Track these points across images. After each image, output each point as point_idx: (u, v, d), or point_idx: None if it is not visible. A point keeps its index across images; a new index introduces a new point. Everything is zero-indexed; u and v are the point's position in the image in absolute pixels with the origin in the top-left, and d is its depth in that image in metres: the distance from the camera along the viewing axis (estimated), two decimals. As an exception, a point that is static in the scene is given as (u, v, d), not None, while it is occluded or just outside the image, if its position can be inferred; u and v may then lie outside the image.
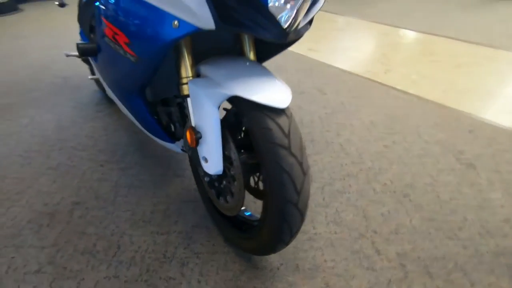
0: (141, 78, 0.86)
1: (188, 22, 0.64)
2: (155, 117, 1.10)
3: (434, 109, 1.70)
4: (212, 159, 0.79)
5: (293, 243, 1.02)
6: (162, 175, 1.32)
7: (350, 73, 2.13)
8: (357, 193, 1.21)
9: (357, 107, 1.74)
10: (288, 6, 0.61)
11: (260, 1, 0.59)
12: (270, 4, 0.59)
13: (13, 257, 1.01)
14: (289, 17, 0.62)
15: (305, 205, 0.71)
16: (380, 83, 1.98)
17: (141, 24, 0.72)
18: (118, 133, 1.59)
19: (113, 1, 0.80)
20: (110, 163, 1.40)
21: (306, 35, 2.66)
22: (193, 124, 0.82)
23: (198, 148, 0.82)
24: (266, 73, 0.75)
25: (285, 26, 0.62)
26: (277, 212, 0.70)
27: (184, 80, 0.80)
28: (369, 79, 2.03)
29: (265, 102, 0.66)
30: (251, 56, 0.87)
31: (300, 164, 0.68)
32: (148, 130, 1.09)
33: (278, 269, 0.95)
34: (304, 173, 0.69)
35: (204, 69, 0.79)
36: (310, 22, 0.77)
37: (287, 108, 0.70)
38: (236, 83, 0.70)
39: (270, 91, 0.69)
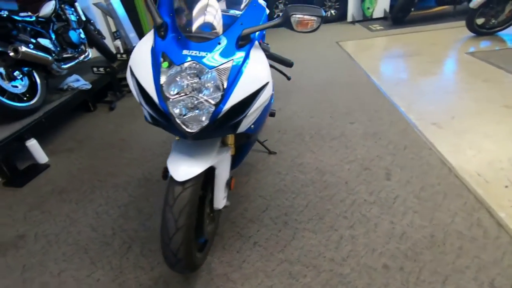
0: None
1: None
2: None
3: (519, 266, 1.16)
4: None
5: (216, 284, 1.27)
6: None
7: (451, 168, 1.70)
8: (303, 286, 1.21)
9: (407, 211, 1.48)
10: (184, 119, 0.92)
11: (168, 116, 0.93)
12: (172, 118, 0.92)
13: (118, 194, 1.88)
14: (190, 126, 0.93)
15: (177, 249, 1.00)
16: (478, 198, 1.49)
17: None
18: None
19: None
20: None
21: (449, 104, 2.25)
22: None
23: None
24: (201, 155, 1.06)
25: (189, 131, 0.93)
26: (161, 246, 1.03)
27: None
28: (467, 187, 1.57)
29: (172, 173, 1.00)
30: (230, 138, 1.18)
31: (175, 221, 0.98)
32: None
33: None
34: (177, 228, 0.98)
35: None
36: (235, 126, 0.99)
37: (187, 181, 1.00)
38: (176, 154, 1.07)
39: (182, 166, 1.02)
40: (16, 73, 2.30)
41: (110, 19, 4.20)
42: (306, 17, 0.97)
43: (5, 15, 2.26)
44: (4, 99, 2.16)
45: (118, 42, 4.19)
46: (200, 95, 0.91)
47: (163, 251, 1.03)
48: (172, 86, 0.91)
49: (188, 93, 0.91)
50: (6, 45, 2.20)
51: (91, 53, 3.32)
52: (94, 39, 3.36)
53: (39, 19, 2.60)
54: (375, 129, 2.19)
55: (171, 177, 1.01)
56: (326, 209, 1.56)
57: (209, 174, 1.15)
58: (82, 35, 3.06)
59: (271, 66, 1.27)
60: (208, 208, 1.21)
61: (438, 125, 2.12)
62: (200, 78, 0.90)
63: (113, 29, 4.30)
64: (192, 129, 0.93)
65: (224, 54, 0.94)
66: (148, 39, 1.01)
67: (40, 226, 1.72)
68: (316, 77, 3.27)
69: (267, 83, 0.99)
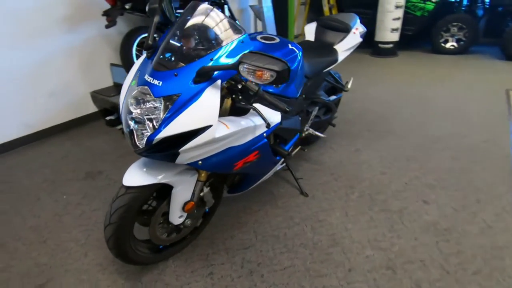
0: None
1: None
2: None
3: None
4: None
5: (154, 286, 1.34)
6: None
7: None
8: None
9: None
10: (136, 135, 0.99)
11: (127, 130, 1.02)
12: (122, 130, 1.01)
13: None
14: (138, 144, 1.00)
15: (108, 239, 1.13)
16: None
17: None
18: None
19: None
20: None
21: None
22: None
23: None
24: (157, 171, 1.12)
25: (137, 145, 1.00)
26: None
27: None
28: None
29: (124, 174, 1.12)
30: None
31: (110, 215, 1.10)
32: None
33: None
34: (110, 222, 1.10)
35: None
36: (173, 157, 0.98)
37: (131, 187, 1.09)
38: (140, 161, 1.17)
39: (134, 173, 1.11)
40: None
41: (259, 21, 4.70)
42: (257, 68, 0.81)
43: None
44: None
45: (256, 42, 4.67)
46: (143, 118, 0.96)
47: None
48: (132, 104, 1.00)
49: (138, 114, 0.98)
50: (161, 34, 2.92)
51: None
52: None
53: (191, 15, 3.25)
54: (453, 224, 1.54)
55: (124, 178, 1.14)
56: (300, 285, 1.30)
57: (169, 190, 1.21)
58: (219, 32, 3.60)
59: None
60: (161, 219, 1.27)
61: None
62: (147, 104, 0.95)
63: (259, 30, 4.80)
64: (138, 145, 1.01)
65: (175, 86, 0.94)
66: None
67: (115, 170, 2.27)
68: (431, 127, 2.55)
69: (209, 126, 0.92)
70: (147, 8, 1.17)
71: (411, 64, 4.56)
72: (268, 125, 1.03)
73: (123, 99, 1.07)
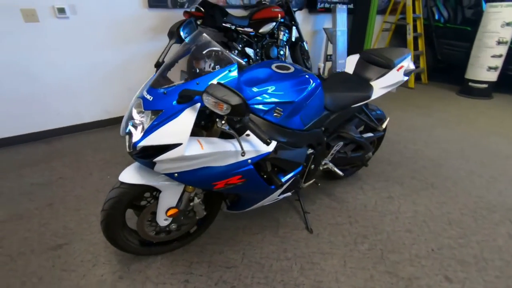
0: None
1: None
2: None
3: None
4: None
5: (135, 277, 1.46)
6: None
7: None
8: None
9: None
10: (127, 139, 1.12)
11: (124, 133, 1.16)
12: (121, 135, 1.15)
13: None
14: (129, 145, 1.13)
15: (100, 222, 1.29)
16: None
17: None
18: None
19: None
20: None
21: None
22: None
23: None
24: (148, 173, 1.24)
25: (129, 147, 1.14)
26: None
27: None
28: None
29: (120, 174, 1.27)
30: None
31: (105, 202, 1.26)
32: None
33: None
34: (103, 208, 1.26)
35: None
36: (152, 165, 1.07)
37: (124, 183, 1.22)
38: (135, 165, 1.30)
39: (130, 171, 1.25)
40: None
41: (330, 44, 4.64)
42: (215, 99, 0.83)
43: (233, 28, 3.22)
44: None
45: (322, 64, 4.62)
46: (137, 126, 1.09)
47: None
48: (133, 111, 1.14)
49: (137, 121, 1.11)
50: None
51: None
52: (296, 57, 3.93)
53: (257, 34, 3.44)
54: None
55: (122, 173, 1.29)
56: (261, 322, 1.24)
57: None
58: (282, 52, 3.68)
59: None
60: (149, 216, 1.38)
61: None
62: (141, 114, 1.08)
63: (329, 52, 4.73)
64: (128, 149, 1.14)
65: (160, 103, 1.03)
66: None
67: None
68: (494, 191, 2.09)
69: (179, 144, 0.98)
70: (168, 31, 1.33)
71: (505, 110, 3.82)
72: (243, 153, 1.04)
73: (130, 106, 1.24)
